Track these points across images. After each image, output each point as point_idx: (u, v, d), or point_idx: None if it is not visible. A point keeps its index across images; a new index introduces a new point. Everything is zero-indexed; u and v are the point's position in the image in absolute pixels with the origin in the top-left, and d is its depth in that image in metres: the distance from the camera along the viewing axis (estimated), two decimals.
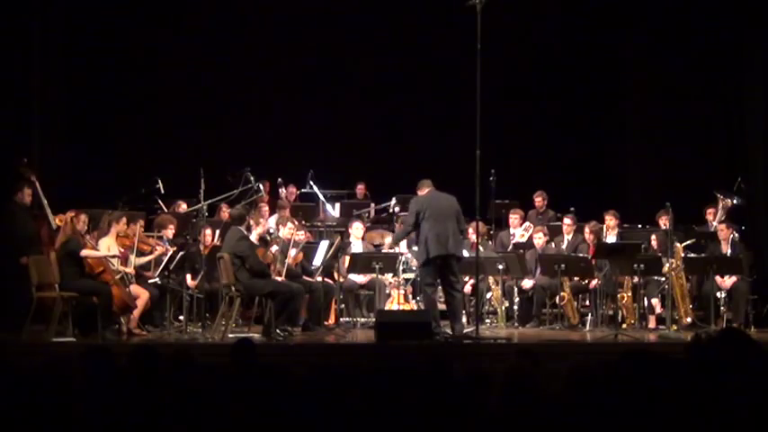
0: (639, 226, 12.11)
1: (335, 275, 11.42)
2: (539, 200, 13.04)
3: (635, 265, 10.45)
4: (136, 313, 10.05)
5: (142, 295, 10.10)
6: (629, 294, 11.04)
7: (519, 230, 12.33)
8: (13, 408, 4.07)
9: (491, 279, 11.66)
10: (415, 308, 10.92)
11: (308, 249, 11.11)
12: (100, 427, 4.12)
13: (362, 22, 14.24)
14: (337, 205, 13.61)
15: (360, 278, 11.58)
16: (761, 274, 11.59)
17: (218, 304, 10.28)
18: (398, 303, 11.08)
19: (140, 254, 10.45)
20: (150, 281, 10.41)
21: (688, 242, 11.30)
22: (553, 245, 11.85)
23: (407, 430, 4.02)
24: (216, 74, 14.21)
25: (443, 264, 9.77)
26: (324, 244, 11.15)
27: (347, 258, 11.32)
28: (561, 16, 14.38)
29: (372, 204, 13.47)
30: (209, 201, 11.34)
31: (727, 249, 11.14)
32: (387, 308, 10.98)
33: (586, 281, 11.30)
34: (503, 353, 8.13)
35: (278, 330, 9.78)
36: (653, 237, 11.38)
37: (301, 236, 11.17)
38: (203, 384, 4.34)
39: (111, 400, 4.22)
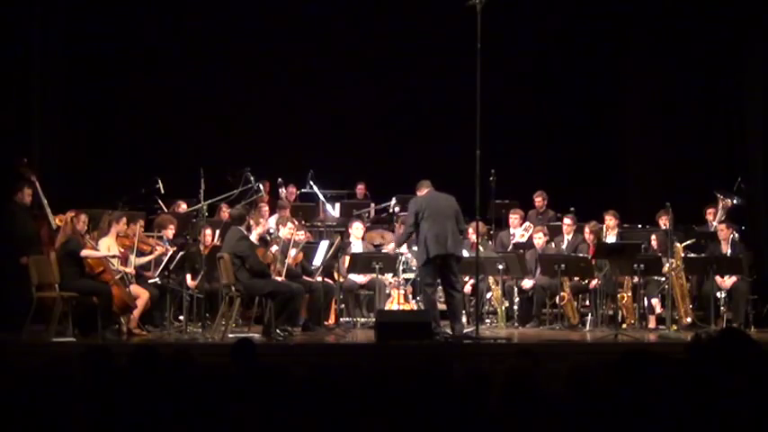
0: (639, 226, 12.11)
1: (335, 275, 11.41)
2: (539, 200, 13.04)
3: (635, 265, 10.44)
4: (136, 313, 10.04)
5: (142, 295, 10.09)
6: (629, 294, 11.03)
7: (519, 230, 12.32)
8: (13, 408, 4.07)
9: (491, 279, 11.65)
10: (415, 308, 10.91)
11: (308, 249, 11.10)
12: (100, 427, 4.12)
13: (362, 23, 14.23)
14: (337, 205, 13.60)
15: (360, 278, 11.58)
16: (761, 274, 11.58)
17: (218, 304, 10.28)
18: (398, 303, 11.07)
19: (140, 254, 10.45)
20: (150, 281, 10.41)
21: (688, 242, 11.31)
22: (553, 245, 11.85)
23: (407, 430, 4.02)
24: (216, 74, 14.21)
25: (443, 263, 9.78)
26: (324, 244, 11.14)
27: (347, 258, 11.32)
28: (561, 16, 14.37)
29: (372, 204, 13.46)
30: (210, 201, 11.33)
31: (727, 249, 11.13)
32: (387, 308, 10.97)
33: (586, 281, 11.29)
34: (503, 353, 8.13)
35: (278, 330, 9.78)
36: (653, 237, 11.37)
37: (301, 236, 11.16)
38: (203, 384, 4.34)
39: (111, 400, 4.22)
